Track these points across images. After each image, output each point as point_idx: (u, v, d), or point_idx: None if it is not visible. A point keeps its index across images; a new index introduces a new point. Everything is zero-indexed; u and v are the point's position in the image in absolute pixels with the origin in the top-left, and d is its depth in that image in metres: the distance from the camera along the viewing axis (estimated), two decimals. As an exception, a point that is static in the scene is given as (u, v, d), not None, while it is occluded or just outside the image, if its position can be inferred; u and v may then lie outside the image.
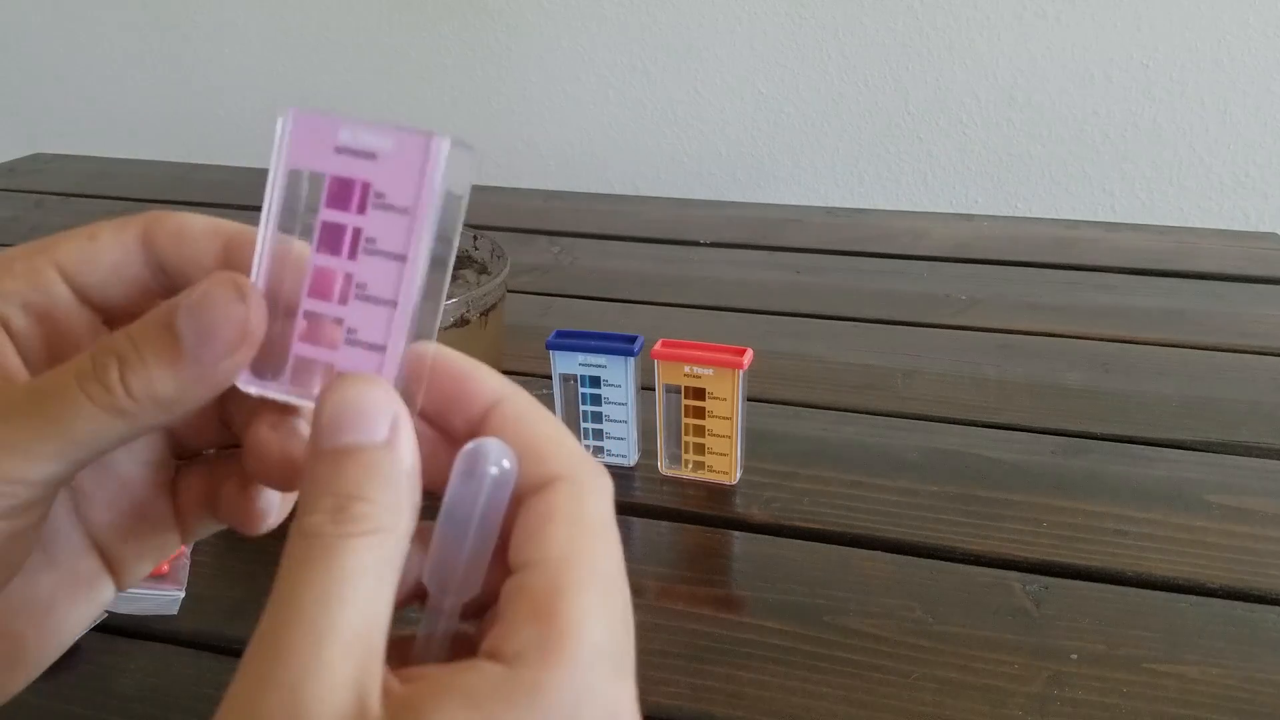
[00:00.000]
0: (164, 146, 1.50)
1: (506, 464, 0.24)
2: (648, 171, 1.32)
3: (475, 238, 0.75)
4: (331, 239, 0.25)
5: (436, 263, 0.25)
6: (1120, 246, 1.01)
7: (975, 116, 1.21)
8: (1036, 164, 1.21)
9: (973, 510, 0.61)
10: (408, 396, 0.25)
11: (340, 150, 0.24)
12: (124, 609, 0.53)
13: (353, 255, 0.25)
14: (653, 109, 1.30)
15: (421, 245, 0.24)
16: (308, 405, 0.26)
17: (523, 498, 0.24)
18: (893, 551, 0.58)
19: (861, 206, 1.19)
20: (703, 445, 0.63)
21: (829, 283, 0.94)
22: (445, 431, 0.26)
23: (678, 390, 0.62)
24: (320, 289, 0.25)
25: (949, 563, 0.57)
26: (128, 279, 0.27)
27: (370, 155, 0.24)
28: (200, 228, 0.27)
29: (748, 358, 0.60)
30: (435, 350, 0.26)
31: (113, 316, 0.28)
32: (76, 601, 0.29)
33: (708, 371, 0.61)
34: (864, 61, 1.22)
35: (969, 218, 1.11)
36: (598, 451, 0.65)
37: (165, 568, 0.55)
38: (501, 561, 0.24)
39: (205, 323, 0.24)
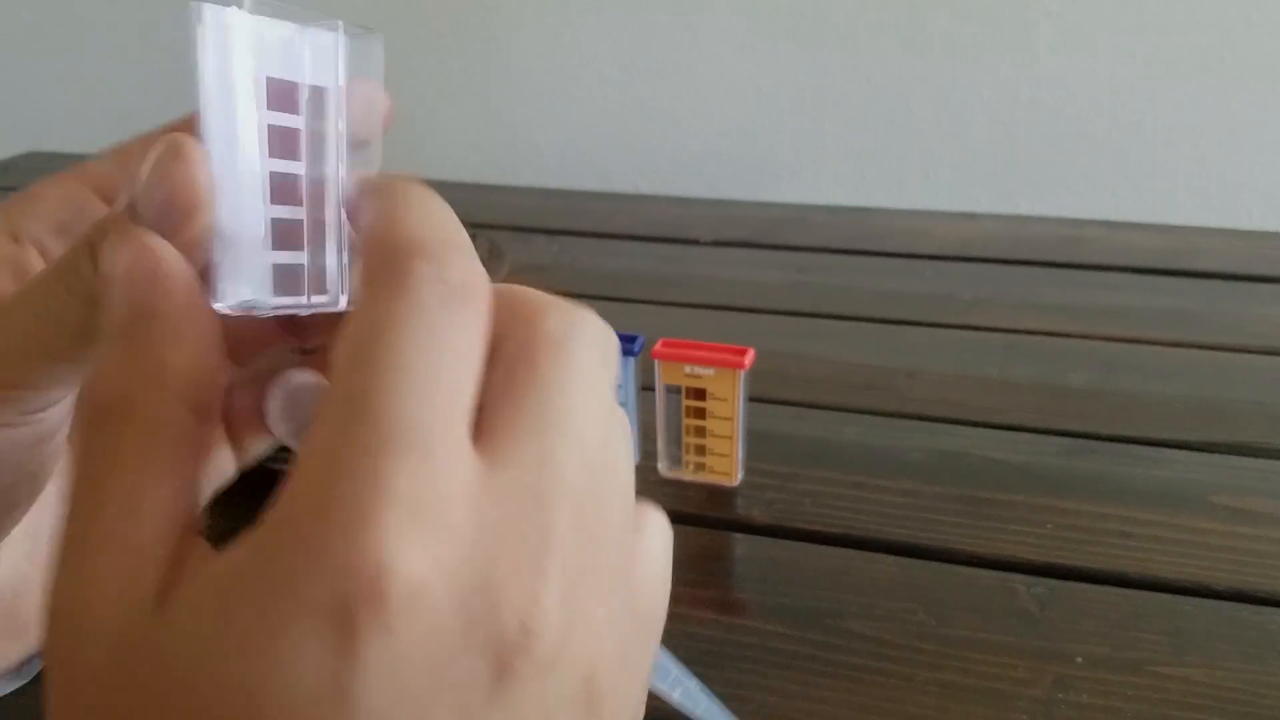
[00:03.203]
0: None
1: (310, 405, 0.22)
2: (648, 169, 1.31)
3: (474, 236, 0.75)
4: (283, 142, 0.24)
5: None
6: (1124, 246, 1.00)
7: (978, 115, 1.20)
8: (1040, 163, 1.20)
9: (976, 512, 0.61)
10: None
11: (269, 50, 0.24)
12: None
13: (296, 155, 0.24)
14: (653, 106, 1.30)
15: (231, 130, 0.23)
16: (299, 311, 0.24)
17: None
18: (895, 554, 0.58)
19: (864, 205, 1.18)
20: (703, 446, 0.62)
21: (831, 282, 0.94)
22: None
23: (678, 390, 0.61)
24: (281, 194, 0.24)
25: (952, 565, 0.57)
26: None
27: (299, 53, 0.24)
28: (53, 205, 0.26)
29: (749, 358, 0.60)
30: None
31: None
32: None
33: (709, 372, 0.60)
34: (866, 59, 1.21)
35: (972, 217, 1.11)
36: (598, 452, 0.64)
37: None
38: None
39: (157, 190, 0.22)
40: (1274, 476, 0.63)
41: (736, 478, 0.63)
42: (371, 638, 0.17)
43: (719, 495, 0.62)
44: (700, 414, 0.61)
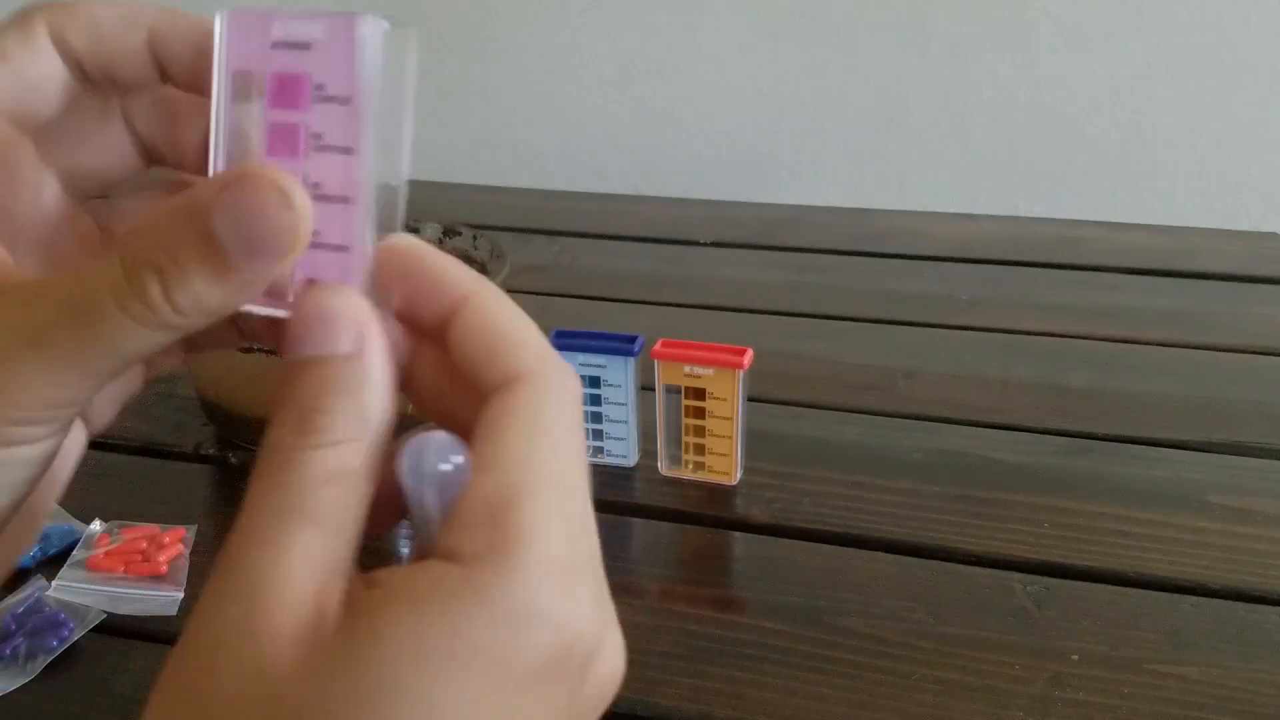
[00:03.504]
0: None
1: (459, 460, 0.23)
2: (648, 170, 1.31)
3: (475, 237, 0.75)
4: (281, 140, 0.24)
5: (389, 149, 0.24)
6: (1123, 246, 1.00)
7: (977, 116, 1.20)
8: (1039, 163, 1.21)
9: (974, 511, 0.61)
10: (381, 292, 0.24)
11: (277, 45, 0.24)
12: (124, 609, 0.53)
13: (304, 154, 0.24)
14: (653, 107, 1.30)
15: (368, 135, 0.23)
16: (284, 316, 0.24)
17: (486, 395, 0.24)
18: (894, 552, 0.58)
19: (863, 206, 1.19)
20: (703, 446, 0.62)
21: (830, 282, 0.94)
22: (414, 325, 0.26)
23: (678, 390, 0.61)
24: None
25: (950, 563, 0.57)
26: (55, 92, 0.26)
27: (305, 46, 0.23)
28: (115, 21, 0.26)
29: (748, 358, 0.60)
30: (403, 243, 0.25)
31: (42, 132, 0.26)
32: (65, 455, 0.28)
33: (708, 371, 0.60)
34: (865, 60, 1.21)
35: (971, 217, 1.11)
36: (597, 452, 0.65)
37: (164, 569, 0.55)
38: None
39: (253, 231, 0.22)
40: (1272, 476, 0.64)
41: (736, 477, 0.63)
42: (577, 687, 0.22)
43: (718, 495, 0.63)
44: (700, 414, 0.62)
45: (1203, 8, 1.11)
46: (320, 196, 0.24)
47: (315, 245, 0.24)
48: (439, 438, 0.23)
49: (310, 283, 0.24)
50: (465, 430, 0.24)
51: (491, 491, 0.22)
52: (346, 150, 0.24)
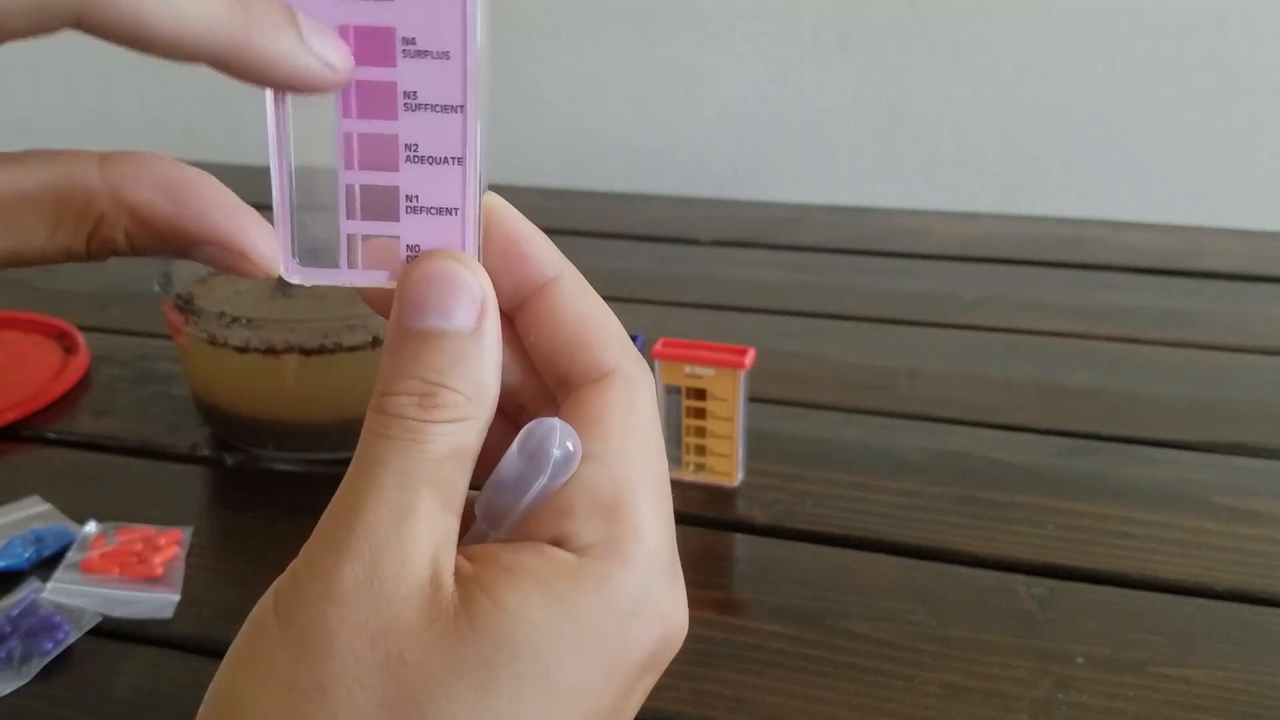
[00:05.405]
0: (166, 144, 1.50)
1: (570, 446, 0.23)
2: (648, 169, 1.31)
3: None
4: (358, 100, 0.22)
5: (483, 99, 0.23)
6: (1127, 246, 1.00)
7: (979, 114, 1.20)
8: (1041, 162, 1.20)
9: (978, 512, 0.60)
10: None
11: None
12: (119, 612, 0.53)
13: (389, 114, 0.22)
14: (653, 106, 1.29)
15: (477, 91, 0.23)
16: (379, 286, 0.24)
17: (578, 385, 0.25)
18: (897, 554, 0.57)
19: (864, 205, 1.18)
20: (704, 446, 0.62)
21: (832, 282, 0.94)
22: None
23: (678, 391, 0.61)
24: (358, 157, 0.23)
25: (953, 565, 0.56)
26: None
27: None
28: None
29: (750, 358, 0.60)
30: (491, 203, 0.25)
31: None
32: None
33: (709, 372, 0.60)
34: (867, 59, 1.21)
35: (974, 216, 1.10)
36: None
37: (159, 571, 0.55)
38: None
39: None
40: (1276, 477, 0.63)
41: (737, 478, 0.62)
42: (659, 673, 0.24)
43: (719, 495, 0.62)
44: (700, 414, 0.61)
45: (1204, 7, 1.11)
46: (421, 158, 0.23)
47: (417, 210, 0.23)
48: (558, 423, 0.23)
49: (416, 250, 0.23)
50: (508, 403, 0.25)
51: (603, 485, 0.23)
52: (453, 109, 0.23)
